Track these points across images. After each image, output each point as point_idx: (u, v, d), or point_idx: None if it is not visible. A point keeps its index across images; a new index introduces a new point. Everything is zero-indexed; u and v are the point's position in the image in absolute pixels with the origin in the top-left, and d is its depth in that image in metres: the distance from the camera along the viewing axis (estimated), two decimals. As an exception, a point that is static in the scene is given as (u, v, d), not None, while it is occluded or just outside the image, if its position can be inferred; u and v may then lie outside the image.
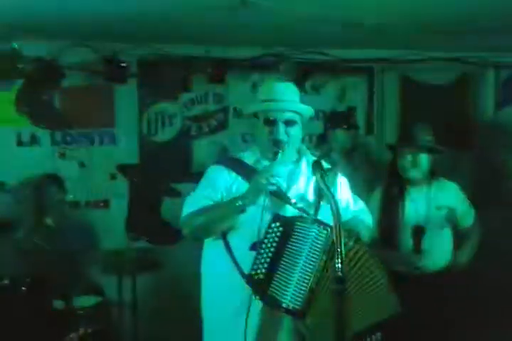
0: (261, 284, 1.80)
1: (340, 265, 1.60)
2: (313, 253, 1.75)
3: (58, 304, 2.97)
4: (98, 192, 3.92)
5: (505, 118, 4.34)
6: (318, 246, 1.76)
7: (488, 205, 3.77)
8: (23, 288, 2.93)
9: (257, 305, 1.87)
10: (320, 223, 1.81)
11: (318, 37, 3.58)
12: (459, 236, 2.79)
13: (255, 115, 2.03)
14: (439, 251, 2.69)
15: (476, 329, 2.83)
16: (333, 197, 1.73)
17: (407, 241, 2.64)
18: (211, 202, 1.99)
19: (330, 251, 1.72)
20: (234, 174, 2.01)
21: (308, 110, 2.06)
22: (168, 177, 4.00)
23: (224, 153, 4.11)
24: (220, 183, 2.00)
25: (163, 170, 3.98)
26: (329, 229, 1.74)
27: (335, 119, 3.68)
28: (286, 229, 1.83)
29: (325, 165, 2.07)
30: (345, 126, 3.51)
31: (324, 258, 1.74)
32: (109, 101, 3.91)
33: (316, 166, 1.84)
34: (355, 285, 1.79)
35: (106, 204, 3.93)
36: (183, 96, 4.04)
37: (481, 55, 4.11)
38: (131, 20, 3.17)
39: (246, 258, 1.89)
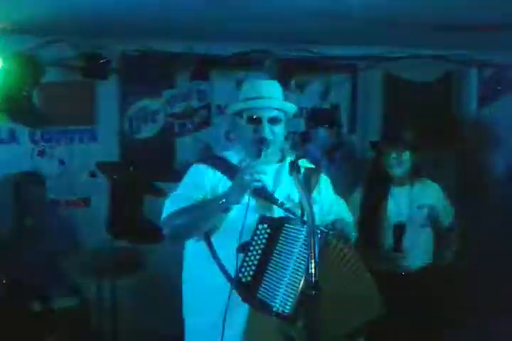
0: (249, 287, 1.76)
1: (313, 270, 1.56)
2: (303, 256, 1.69)
3: (36, 305, 2.91)
4: (78, 190, 3.85)
5: (488, 117, 4.37)
6: (309, 248, 1.64)
7: (471, 203, 3.82)
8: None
9: (243, 308, 1.83)
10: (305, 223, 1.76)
11: (304, 32, 3.55)
12: (440, 235, 2.79)
13: (239, 113, 1.98)
14: (420, 250, 2.70)
15: (460, 327, 2.84)
16: (308, 198, 1.70)
17: (389, 239, 2.63)
18: (193, 202, 1.92)
19: (320, 254, 1.65)
20: (219, 173, 1.96)
21: (292, 108, 2.02)
22: (150, 175, 3.95)
23: (207, 151, 4.08)
24: (204, 183, 1.94)
25: (145, 167, 3.93)
26: (319, 231, 1.71)
27: (317, 117, 3.67)
28: (274, 231, 1.79)
29: (307, 164, 2.05)
30: (327, 125, 3.49)
31: (316, 260, 1.63)
32: (90, 98, 3.84)
33: (293, 166, 1.79)
34: (342, 286, 1.76)
35: (86, 202, 3.87)
36: (166, 93, 3.99)
37: (464, 53, 4.13)
38: (113, 15, 3.11)
39: (231, 261, 1.84)
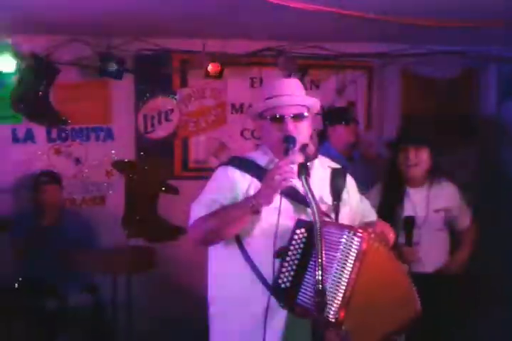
0: (288, 293, 1.69)
1: (320, 277, 1.52)
2: (345, 260, 1.63)
3: (51, 303, 2.93)
4: (94, 188, 3.88)
5: (508, 113, 4.28)
6: (351, 252, 1.63)
7: (491, 201, 3.74)
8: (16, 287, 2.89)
9: (280, 315, 1.77)
10: (349, 228, 1.69)
11: (318, 30, 3.51)
12: (456, 238, 2.74)
13: (261, 115, 1.92)
14: (436, 253, 2.64)
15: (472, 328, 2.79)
16: (316, 203, 1.63)
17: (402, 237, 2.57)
18: (221, 205, 1.86)
19: (361, 259, 1.62)
20: (248, 176, 1.89)
21: (315, 102, 1.95)
22: (165, 173, 3.96)
23: (222, 150, 4.07)
24: (233, 185, 1.88)
25: (160, 166, 3.94)
26: (360, 235, 1.64)
27: (333, 115, 3.58)
28: (312, 235, 1.67)
29: (333, 164, 2.02)
30: (343, 122, 3.43)
31: (358, 265, 1.62)
32: (105, 97, 3.87)
33: (302, 168, 1.68)
34: (384, 290, 1.69)
35: (102, 201, 3.90)
36: (180, 92, 3.99)
37: (483, 48, 4.05)
38: (126, 14, 3.12)
39: (267, 266, 1.76)
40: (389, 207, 2.61)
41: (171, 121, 4.00)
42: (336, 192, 1.95)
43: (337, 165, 2.03)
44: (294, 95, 1.91)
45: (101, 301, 3.15)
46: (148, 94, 3.94)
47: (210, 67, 3.81)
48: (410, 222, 2.49)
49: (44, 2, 2.87)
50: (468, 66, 4.22)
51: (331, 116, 3.60)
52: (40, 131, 3.80)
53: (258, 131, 2.02)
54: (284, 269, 1.72)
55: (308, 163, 1.83)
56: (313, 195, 1.64)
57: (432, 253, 2.60)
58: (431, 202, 2.65)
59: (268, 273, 1.76)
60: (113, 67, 3.64)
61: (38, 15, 3.08)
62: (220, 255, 1.93)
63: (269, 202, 1.73)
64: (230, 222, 1.81)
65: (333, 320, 1.60)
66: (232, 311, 1.89)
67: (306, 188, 1.65)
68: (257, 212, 1.75)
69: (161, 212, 3.94)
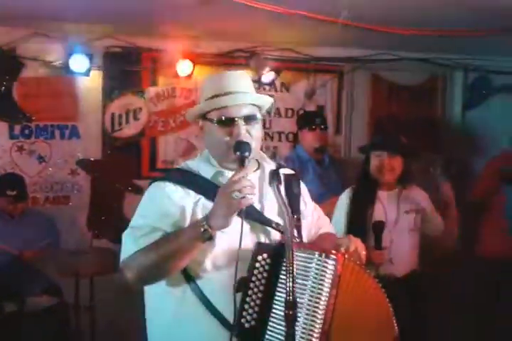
0: (255, 333, 1.43)
1: (291, 288, 1.32)
2: (319, 289, 1.41)
3: (9, 306, 2.83)
4: (58, 188, 3.77)
5: (472, 120, 4.39)
6: (325, 279, 1.41)
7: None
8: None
9: None
10: (318, 250, 1.45)
11: (290, 33, 3.53)
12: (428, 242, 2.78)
13: (204, 117, 1.59)
14: (408, 254, 2.68)
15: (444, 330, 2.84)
16: (289, 213, 1.41)
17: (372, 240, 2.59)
18: (163, 233, 1.51)
19: (337, 285, 1.41)
20: (192, 193, 1.55)
21: (268, 101, 1.64)
22: (132, 173, 3.89)
23: (191, 150, 4.03)
24: (174, 207, 1.53)
25: (127, 166, 3.87)
26: (334, 257, 1.42)
27: (302, 119, 3.66)
28: (276, 261, 1.45)
29: (287, 171, 1.72)
30: (312, 127, 3.47)
31: (334, 293, 1.41)
32: (72, 94, 3.77)
33: (274, 176, 1.47)
34: (360, 312, 1.49)
35: (66, 200, 3.79)
36: (149, 91, 3.93)
37: (450, 56, 4.15)
38: (96, 11, 3.05)
39: (223, 303, 1.48)
40: (360, 211, 2.64)
41: (139, 120, 3.93)
42: (294, 202, 1.65)
43: (289, 171, 1.71)
44: (244, 93, 1.58)
45: (63, 303, 3.06)
46: (116, 92, 3.86)
47: (180, 67, 3.78)
48: (379, 227, 2.52)
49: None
50: (435, 73, 4.32)
51: (300, 120, 3.69)
52: (1, 128, 3.66)
53: (200, 134, 1.65)
54: (246, 305, 1.45)
55: (279, 171, 1.59)
56: (285, 206, 1.43)
57: (404, 254, 2.65)
58: (401, 204, 2.70)
59: (227, 311, 1.47)
60: (80, 63, 3.56)
61: (2, 6, 2.97)
62: (162, 296, 1.58)
63: (225, 225, 1.43)
64: (177, 254, 1.47)
65: None
66: None
67: (279, 198, 1.44)
68: (209, 238, 1.44)
69: (127, 212, 3.86)
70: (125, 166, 3.87)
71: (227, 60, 3.96)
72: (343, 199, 2.78)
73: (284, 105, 4.15)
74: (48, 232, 3.37)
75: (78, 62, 3.55)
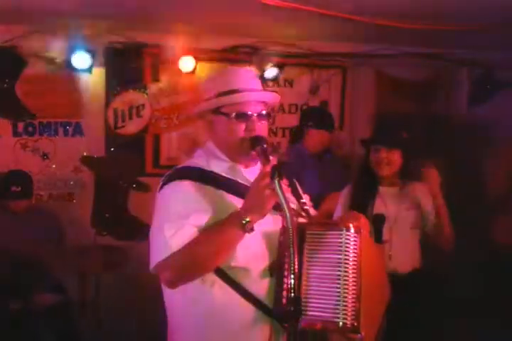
0: (295, 312, 1.46)
1: (293, 282, 1.39)
2: (346, 261, 1.50)
3: (15, 303, 2.83)
4: (62, 185, 3.78)
5: (477, 116, 4.36)
6: (350, 250, 1.51)
7: (461, 204, 3.81)
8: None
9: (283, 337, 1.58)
10: (336, 224, 1.56)
11: (293, 28, 3.50)
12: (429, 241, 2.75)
13: (216, 111, 1.63)
14: (409, 253, 2.66)
15: (444, 329, 2.83)
16: (289, 207, 1.45)
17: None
18: (200, 230, 1.55)
19: (359, 256, 1.52)
20: (212, 188, 1.60)
21: (277, 99, 1.72)
22: (135, 170, 3.89)
23: (194, 147, 4.01)
24: (204, 202, 1.57)
25: (131, 163, 3.87)
26: (352, 230, 1.52)
27: (310, 117, 3.54)
28: (301, 241, 1.53)
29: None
30: (324, 128, 3.41)
31: (358, 262, 1.51)
32: (75, 91, 3.75)
33: (276, 171, 1.47)
34: (374, 277, 1.63)
35: (70, 197, 3.80)
36: (152, 87, 3.91)
37: (455, 52, 4.11)
38: (98, 6, 3.03)
39: (257, 289, 1.56)
40: (360, 205, 2.62)
41: (142, 117, 3.92)
42: (295, 191, 1.78)
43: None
44: (258, 90, 1.67)
45: (69, 301, 3.06)
46: (118, 89, 3.84)
47: (183, 63, 3.76)
48: (380, 220, 2.49)
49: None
50: (440, 68, 4.28)
51: (306, 117, 3.57)
52: (5, 125, 3.66)
53: (208, 128, 1.70)
54: (284, 285, 1.51)
55: (281, 165, 1.58)
56: (286, 201, 1.46)
57: (404, 251, 2.61)
58: (402, 200, 2.67)
59: (262, 296, 1.57)
60: (83, 60, 3.55)
61: (3, 3, 2.96)
62: (195, 288, 1.59)
63: (263, 215, 1.50)
64: (221, 248, 1.53)
65: (351, 326, 1.49)
66: None
67: (280, 193, 1.45)
68: (251, 229, 1.49)
69: (131, 209, 3.86)
70: (128, 163, 3.87)
71: (230, 56, 3.94)
72: (345, 195, 2.76)
73: (288, 101, 4.13)
74: (52, 229, 3.37)
75: (80, 59, 3.54)
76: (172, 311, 1.71)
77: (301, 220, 1.67)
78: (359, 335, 1.50)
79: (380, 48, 3.98)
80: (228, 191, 1.61)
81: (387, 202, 2.66)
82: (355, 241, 1.53)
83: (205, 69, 3.91)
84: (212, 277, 1.59)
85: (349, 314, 1.48)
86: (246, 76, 1.69)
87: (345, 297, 1.49)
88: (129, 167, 3.86)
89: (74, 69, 3.60)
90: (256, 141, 1.59)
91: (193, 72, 3.82)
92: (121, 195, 3.84)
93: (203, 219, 1.56)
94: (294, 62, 4.05)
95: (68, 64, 3.56)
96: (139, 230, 3.74)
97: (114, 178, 3.82)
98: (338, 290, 1.50)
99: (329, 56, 4.05)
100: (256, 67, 3.87)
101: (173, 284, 1.59)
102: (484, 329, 3.25)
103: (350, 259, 1.51)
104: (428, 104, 4.31)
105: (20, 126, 3.70)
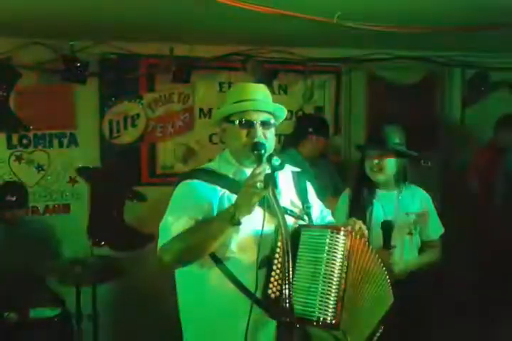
0: (279, 302, 1.64)
1: (287, 292, 1.54)
2: (333, 260, 1.66)
3: (11, 316, 2.80)
4: (58, 196, 3.76)
5: (471, 117, 4.36)
6: (338, 251, 1.67)
7: (454, 205, 3.81)
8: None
9: (268, 327, 1.74)
10: (329, 228, 1.72)
11: (285, 35, 3.50)
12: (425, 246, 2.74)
13: (227, 119, 1.87)
14: (406, 257, 2.63)
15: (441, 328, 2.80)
16: (282, 213, 1.63)
17: (376, 240, 2.55)
18: (196, 222, 1.78)
19: (347, 257, 1.68)
20: (217, 188, 1.82)
21: (283, 112, 1.93)
22: (131, 180, 3.87)
23: (190, 155, 4.01)
24: (204, 200, 1.79)
25: (127, 172, 3.85)
26: (343, 233, 1.69)
27: (313, 125, 3.53)
28: (294, 242, 1.70)
29: (294, 168, 2.01)
30: (320, 135, 3.43)
31: (346, 263, 1.67)
32: (69, 102, 3.76)
33: (269, 179, 1.62)
34: (369, 282, 1.77)
35: (66, 209, 3.78)
36: (146, 97, 3.91)
37: (447, 54, 4.13)
38: (91, 17, 3.04)
39: (248, 279, 1.73)
40: (359, 211, 2.61)
41: (138, 127, 3.91)
42: (302, 194, 1.97)
43: (296, 169, 2.03)
44: (263, 101, 1.88)
45: (66, 313, 3.03)
46: (113, 99, 3.84)
47: (177, 72, 3.76)
48: (389, 226, 2.48)
49: (2, 3, 2.77)
50: (432, 71, 4.29)
51: (303, 125, 3.56)
52: (-1, 138, 3.66)
53: (222, 135, 1.96)
54: (271, 278, 1.69)
55: (274, 174, 1.73)
56: (279, 208, 1.63)
57: (402, 256, 2.59)
58: (400, 205, 2.65)
59: (253, 286, 1.70)
60: (76, 70, 3.55)
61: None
62: (193, 277, 1.84)
63: (250, 211, 1.67)
64: (209, 238, 1.73)
65: (332, 322, 1.61)
66: (213, 333, 1.81)
67: (273, 201, 1.63)
68: (237, 223, 1.68)
69: (128, 219, 3.85)
70: (124, 173, 3.85)
71: (224, 64, 3.95)
72: (343, 200, 2.75)
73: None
74: (48, 241, 3.35)
75: (74, 70, 3.54)
76: (179, 290, 1.92)
77: (302, 223, 1.86)
78: (338, 332, 1.65)
79: (373, 53, 4.00)
80: (231, 191, 1.80)
81: (385, 206, 2.65)
82: (343, 243, 1.67)
83: (199, 77, 3.92)
84: (210, 264, 1.80)
85: (330, 310, 1.62)
86: (254, 89, 1.92)
87: (328, 294, 1.63)
88: (124, 177, 3.85)
89: (68, 81, 3.60)
90: (254, 146, 1.79)
91: (188, 80, 3.83)
92: (117, 205, 3.82)
93: (201, 212, 1.78)
94: (287, 69, 4.05)
95: (62, 75, 3.56)
96: (136, 240, 3.73)
97: (109, 188, 3.80)
98: (322, 287, 1.64)
99: (322, 61, 4.06)
100: (250, 74, 3.88)
101: (172, 267, 1.83)
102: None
103: (337, 260, 1.65)
104: (422, 106, 4.31)
105: (15, 138, 3.69)
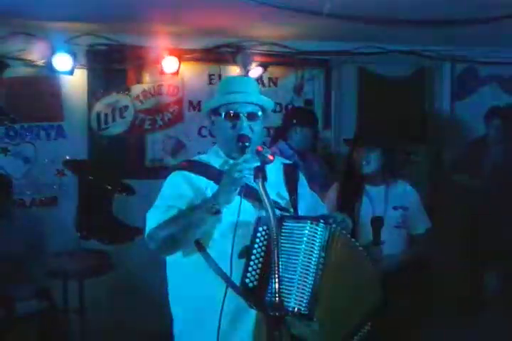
0: (257, 291, 1.67)
1: (277, 289, 1.54)
2: (311, 252, 1.66)
3: (-1, 311, 2.78)
4: (45, 189, 3.72)
5: (461, 111, 4.38)
6: (316, 243, 1.67)
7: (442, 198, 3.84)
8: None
9: (249, 315, 1.77)
10: (310, 219, 1.72)
11: (276, 27, 3.49)
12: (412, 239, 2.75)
13: (215, 111, 1.87)
14: (395, 251, 2.64)
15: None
16: (272, 206, 1.61)
17: (364, 236, 2.57)
18: (179, 211, 1.81)
19: (325, 248, 1.67)
20: (204, 179, 1.85)
21: (270, 103, 1.93)
22: (120, 172, 3.84)
23: (179, 148, 3.98)
24: (189, 190, 1.82)
25: (115, 165, 3.82)
26: (322, 225, 1.69)
27: (296, 117, 3.53)
28: (278, 231, 1.67)
29: (284, 160, 2.03)
30: (308, 126, 3.41)
31: (323, 255, 1.66)
32: (56, 93, 3.71)
33: (258, 172, 1.63)
34: (349, 277, 1.77)
35: (53, 202, 3.74)
36: (135, 88, 3.87)
37: (437, 48, 4.13)
38: (79, 9, 2.99)
39: (231, 269, 1.74)
40: (347, 205, 2.62)
41: (126, 119, 3.88)
42: (291, 186, 1.96)
43: (288, 161, 2.05)
44: (251, 93, 1.87)
45: (53, 307, 3.01)
46: (101, 91, 3.80)
47: (166, 63, 3.73)
48: (378, 222, 2.49)
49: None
50: (422, 65, 4.30)
51: (292, 117, 3.55)
52: (-15, 129, 3.61)
53: (211, 128, 1.97)
54: (249, 268, 1.70)
55: (264, 167, 1.73)
56: (269, 201, 1.61)
57: (391, 250, 2.60)
58: (388, 199, 2.67)
59: (233, 274, 1.73)
60: (64, 62, 3.50)
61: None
62: (181, 263, 1.86)
63: (229, 200, 1.70)
64: (190, 227, 1.75)
65: (306, 312, 1.62)
66: (198, 320, 1.83)
67: (263, 193, 1.62)
68: (217, 212, 1.70)
69: (116, 212, 3.82)
70: (113, 165, 3.82)
71: (213, 56, 3.92)
72: (331, 194, 2.75)
73: (272, 100, 4.10)
74: (34, 234, 3.31)
75: (61, 61, 3.50)
76: (168, 278, 1.95)
77: (286, 214, 1.85)
78: (314, 323, 1.64)
79: (363, 46, 3.99)
80: (217, 183, 1.79)
81: (373, 201, 2.66)
82: (321, 235, 1.67)
83: (188, 69, 3.89)
84: (194, 251, 1.82)
85: (304, 301, 1.62)
86: (241, 81, 1.94)
87: (304, 285, 1.64)
88: (112, 169, 3.81)
89: (55, 72, 3.55)
90: (239, 138, 1.79)
91: (177, 72, 3.79)
92: (105, 198, 3.78)
93: (184, 202, 1.80)
94: (277, 61, 4.03)
95: (49, 66, 3.51)
96: (124, 233, 3.71)
97: (98, 181, 3.77)
98: (299, 278, 1.65)
99: (312, 54, 4.05)
100: (240, 66, 3.86)
101: (160, 254, 1.84)
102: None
103: (315, 251, 1.66)
104: (410, 101, 4.32)
105: (1, 130, 3.63)
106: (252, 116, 1.83)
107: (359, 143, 2.69)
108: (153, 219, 1.81)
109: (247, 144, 1.76)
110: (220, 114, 1.85)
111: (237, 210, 1.73)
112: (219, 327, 1.73)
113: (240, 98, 1.84)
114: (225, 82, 1.98)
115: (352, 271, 1.77)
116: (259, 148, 1.74)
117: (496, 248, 3.55)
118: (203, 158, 1.94)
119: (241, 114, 1.82)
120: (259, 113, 1.86)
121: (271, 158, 1.74)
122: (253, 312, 1.76)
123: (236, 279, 1.72)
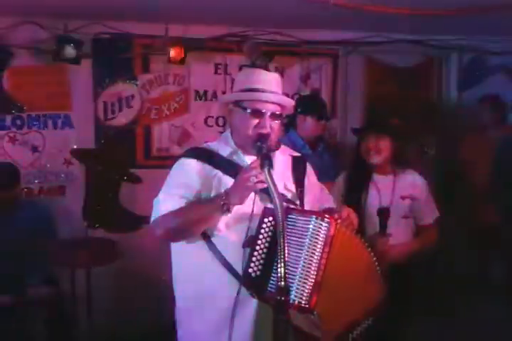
0: (259, 281, 1.69)
1: (283, 273, 1.53)
2: (314, 246, 1.67)
3: (4, 298, 2.82)
4: (53, 178, 3.74)
5: (468, 101, 4.35)
6: (319, 238, 1.67)
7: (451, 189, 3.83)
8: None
9: (250, 305, 1.79)
10: (315, 214, 1.73)
11: (282, 16, 3.46)
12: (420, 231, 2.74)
13: (237, 103, 1.89)
14: (402, 241, 2.64)
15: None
16: (278, 195, 1.62)
17: (372, 226, 2.57)
18: (187, 201, 1.84)
19: (329, 244, 1.67)
20: (211, 168, 1.87)
21: (291, 104, 1.97)
22: (126, 162, 3.86)
23: (186, 138, 3.99)
24: (198, 179, 1.85)
25: (122, 154, 3.83)
26: (327, 220, 1.69)
27: (305, 105, 3.50)
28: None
29: (293, 152, 2.04)
30: (318, 117, 3.38)
31: (326, 250, 1.67)
32: (63, 83, 3.71)
33: (265, 159, 1.67)
34: (350, 273, 1.77)
35: (61, 190, 3.76)
36: (141, 78, 3.87)
37: (444, 38, 4.09)
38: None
39: (234, 257, 1.78)
40: (355, 194, 2.62)
41: (133, 108, 3.88)
42: (299, 179, 1.98)
43: (297, 154, 2.06)
44: (276, 93, 1.89)
45: (60, 294, 3.05)
46: (107, 80, 3.80)
47: (172, 52, 3.72)
48: (385, 213, 2.49)
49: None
50: (429, 55, 4.26)
51: (305, 106, 3.46)
52: (-8, 118, 3.63)
53: (228, 117, 1.98)
54: (254, 258, 1.71)
55: (270, 154, 1.79)
56: (276, 189, 1.62)
57: (398, 240, 2.60)
58: (396, 188, 2.65)
59: (237, 264, 1.76)
60: (70, 51, 3.50)
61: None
62: (185, 250, 1.90)
63: (241, 202, 1.73)
64: (199, 221, 1.78)
65: (306, 306, 1.62)
66: (198, 308, 1.87)
67: (269, 181, 1.63)
68: (227, 211, 1.74)
69: (123, 201, 3.84)
70: (119, 155, 3.83)
71: (220, 45, 3.91)
72: (338, 184, 2.75)
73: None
74: (44, 222, 3.34)
75: (68, 50, 3.49)
76: (173, 264, 1.98)
77: (292, 206, 1.86)
78: (314, 316, 1.64)
79: (370, 36, 3.96)
80: (224, 172, 1.84)
81: (381, 190, 2.65)
82: (326, 230, 1.67)
83: (194, 58, 3.88)
84: (199, 240, 1.85)
85: (305, 294, 1.63)
86: (270, 79, 1.91)
87: (306, 278, 1.64)
88: (119, 159, 3.83)
89: (62, 61, 3.55)
90: (259, 137, 1.81)
91: (183, 61, 3.78)
92: (112, 187, 3.81)
93: (192, 192, 1.83)
94: (284, 51, 4.01)
95: (56, 55, 3.51)
96: (131, 222, 3.74)
97: (105, 170, 3.79)
98: (301, 271, 1.65)
99: (319, 44, 4.02)
100: (246, 56, 3.84)
101: (162, 240, 1.88)
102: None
103: (318, 246, 1.66)
104: (418, 90, 4.29)
105: (8, 119, 3.65)
106: (274, 115, 1.87)
107: (368, 132, 2.68)
108: (161, 207, 1.82)
109: (264, 146, 1.78)
110: (245, 108, 1.86)
111: (249, 202, 1.74)
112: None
113: (269, 97, 1.85)
114: (250, 75, 1.95)
115: (354, 266, 1.79)
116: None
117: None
118: (213, 146, 1.96)
119: (266, 113, 1.84)
120: (280, 112, 1.89)
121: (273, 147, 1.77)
122: (253, 303, 1.78)
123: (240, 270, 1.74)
